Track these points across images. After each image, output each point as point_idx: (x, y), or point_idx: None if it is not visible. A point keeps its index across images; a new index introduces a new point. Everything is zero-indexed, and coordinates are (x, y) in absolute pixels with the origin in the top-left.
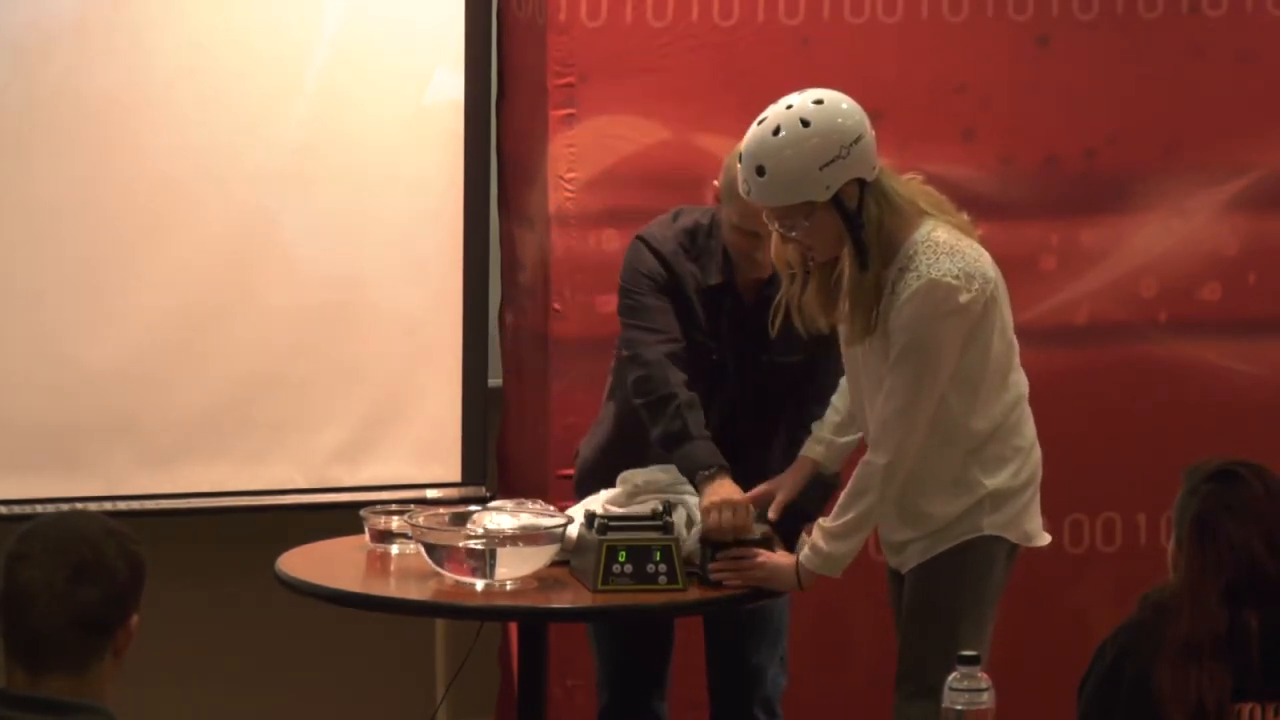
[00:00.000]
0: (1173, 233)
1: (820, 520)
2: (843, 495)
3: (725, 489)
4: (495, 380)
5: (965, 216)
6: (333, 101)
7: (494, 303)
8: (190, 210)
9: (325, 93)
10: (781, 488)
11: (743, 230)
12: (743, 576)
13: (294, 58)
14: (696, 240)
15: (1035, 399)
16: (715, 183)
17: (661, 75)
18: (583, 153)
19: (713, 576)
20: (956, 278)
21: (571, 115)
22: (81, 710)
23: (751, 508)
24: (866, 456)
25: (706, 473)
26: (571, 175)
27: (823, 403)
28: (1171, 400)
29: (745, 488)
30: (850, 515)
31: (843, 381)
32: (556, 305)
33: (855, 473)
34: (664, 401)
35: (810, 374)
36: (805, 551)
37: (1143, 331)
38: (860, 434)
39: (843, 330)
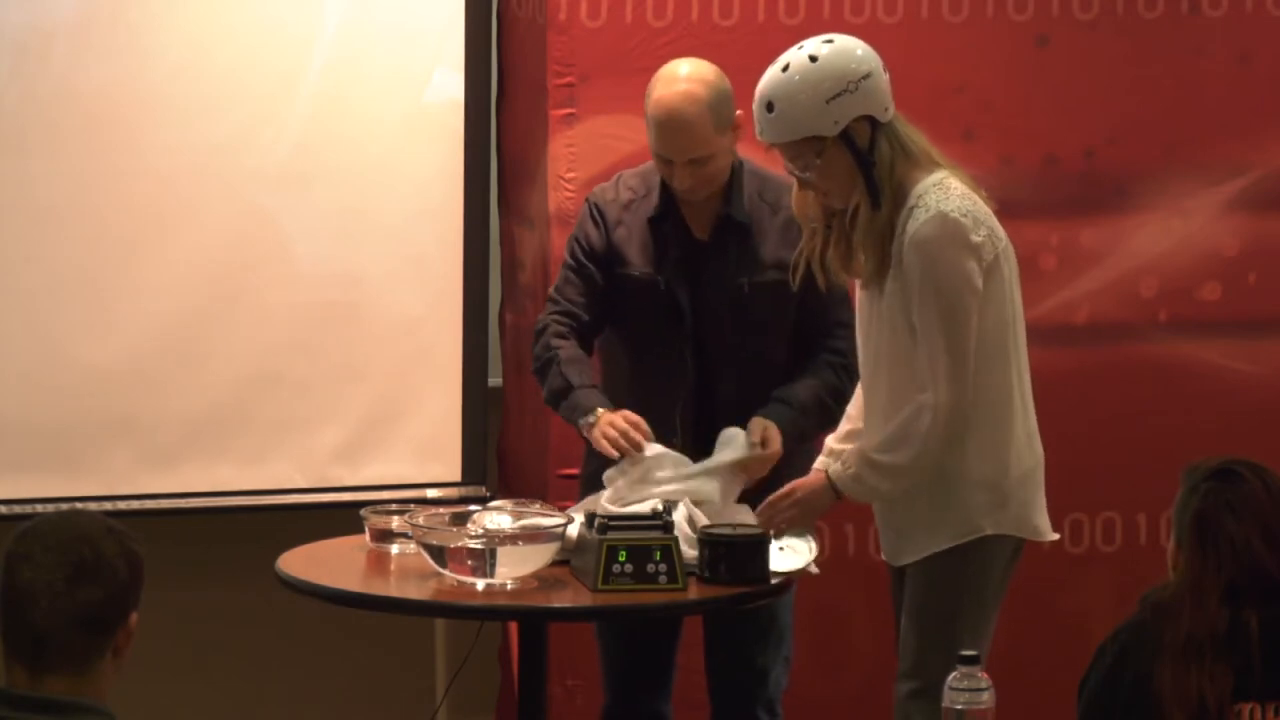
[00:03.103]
0: (1173, 233)
1: (865, 446)
2: (893, 429)
3: (608, 416)
4: (495, 380)
5: (983, 191)
6: (333, 101)
7: (494, 303)
8: (190, 210)
9: (325, 93)
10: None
11: (658, 156)
12: (786, 519)
13: (294, 57)
14: (646, 179)
15: (1035, 399)
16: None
17: None
18: (583, 153)
19: (761, 526)
20: (964, 216)
21: (571, 115)
22: (82, 710)
23: (640, 421)
24: (918, 397)
25: (589, 419)
26: (571, 175)
27: (848, 337)
28: (1171, 400)
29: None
30: (897, 457)
31: (857, 391)
32: None
33: (905, 412)
34: (546, 365)
35: (814, 303)
36: (842, 473)
37: (1143, 331)
38: None
39: (859, 274)
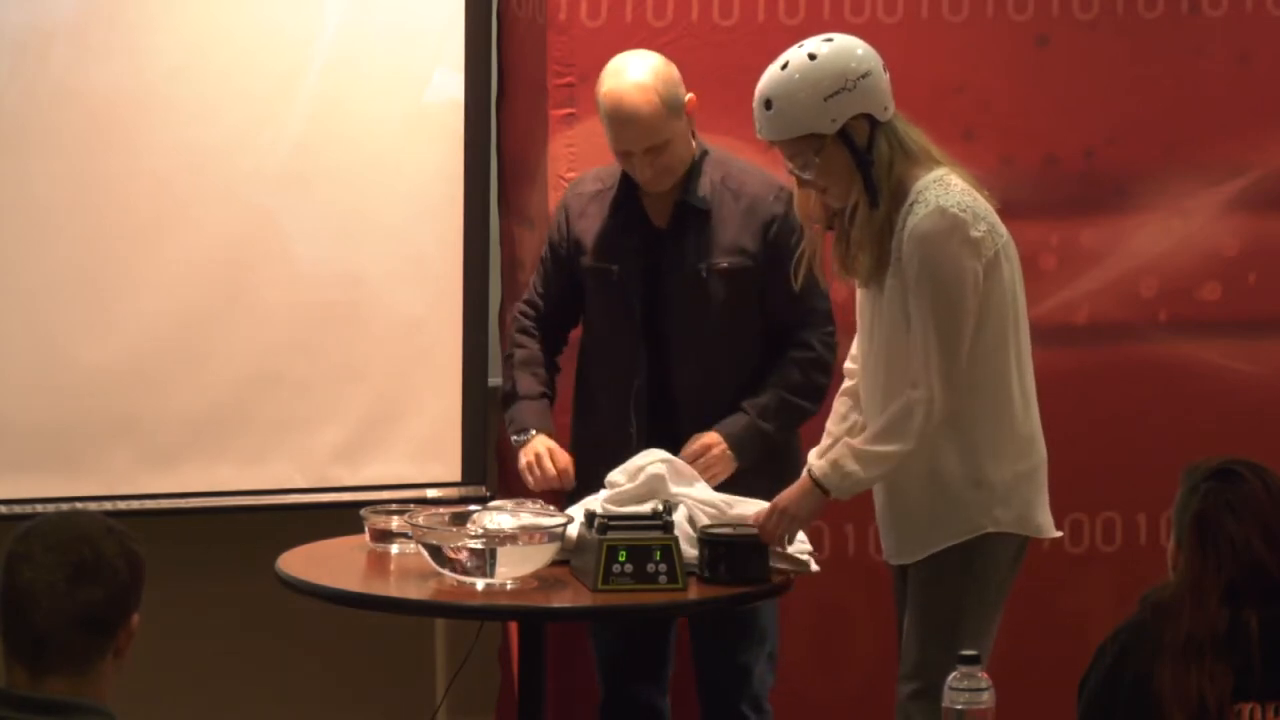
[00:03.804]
0: (1173, 233)
1: (848, 439)
2: (882, 421)
3: (535, 446)
4: (495, 380)
5: (985, 192)
6: (333, 101)
7: (494, 303)
8: (190, 210)
9: (325, 93)
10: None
11: (615, 150)
12: (783, 532)
13: (294, 58)
14: (617, 171)
15: (1036, 399)
16: None
17: None
18: (583, 153)
19: (774, 547)
20: (964, 211)
21: (571, 115)
22: (83, 711)
23: (565, 456)
24: (908, 392)
25: (521, 438)
26: (571, 175)
27: (817, 326)
28: (1171, 400)
29: (699, 427)
30: (882, 448)
31: (836, 404)
32: None
33: (894, 406)
34: (506, 361)
35: (783, 292)
36: (824, 467)
37: (1143, 331)
38: None
39: (858, 274)
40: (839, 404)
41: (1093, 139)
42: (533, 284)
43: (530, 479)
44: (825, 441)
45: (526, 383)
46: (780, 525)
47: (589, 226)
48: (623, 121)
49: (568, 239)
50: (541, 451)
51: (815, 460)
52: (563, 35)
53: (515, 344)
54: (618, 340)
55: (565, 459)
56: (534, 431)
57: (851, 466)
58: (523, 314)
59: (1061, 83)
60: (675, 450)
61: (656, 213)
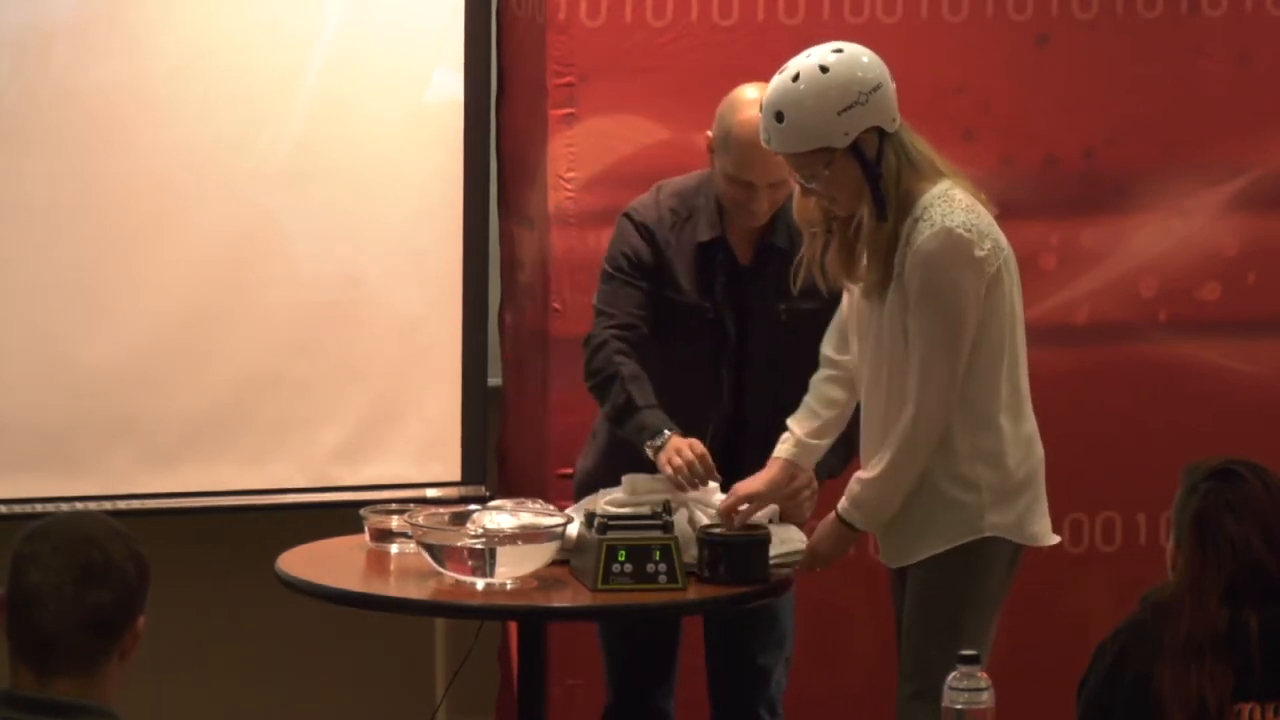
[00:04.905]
0: (1173, 233)
1: (860, 473)
2: (886, 447)
3: (675, 444)
4: (495, 380)
5: (983, 196)
6: (333, 101)
7: (494, 303)
8: (190, 210)
9: (325, 92)
10: (754, 493)
11: (737, 180)
12: (821, 564)
13: (294, 58)
14: (687, 200)
15: (1035, 399)
16: (708, 133)
17: (661, 75)
18: (582, 153)
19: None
20: (969, 230)
21: (571, 115)
22: (89, 713)
23: (699, 444)
24: (905, 411)
25: (658, 440)
26: (571, 175)
27: None
28: (1171, 400)
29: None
30: (879, 468)
31: (820, 383)
32: (556, 305)
33: (895, 429)
34: (608, 381)
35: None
36: (844, 504)
37: (1143, 331)
38: (833, 439)
39: (860, 285)
40: (828, 388)
41: (1093, 139)
42: (613, 306)
43: (672, 472)
44: (811, 422)
45: (642, 394)
46: (815, 566)
47: (679, 258)
48: (759, 152)
49: (656, 266)
50: (682, 447)
51: (800, 453)
52: (562, 35)
53: (615, 362)
54: (705, 373)
55: (700, 446)
56: (668, 432)
57: (868, 499)
58: (616, 336)
59: (1061, 83)
60: (739, 472)
61: (740, 249)
